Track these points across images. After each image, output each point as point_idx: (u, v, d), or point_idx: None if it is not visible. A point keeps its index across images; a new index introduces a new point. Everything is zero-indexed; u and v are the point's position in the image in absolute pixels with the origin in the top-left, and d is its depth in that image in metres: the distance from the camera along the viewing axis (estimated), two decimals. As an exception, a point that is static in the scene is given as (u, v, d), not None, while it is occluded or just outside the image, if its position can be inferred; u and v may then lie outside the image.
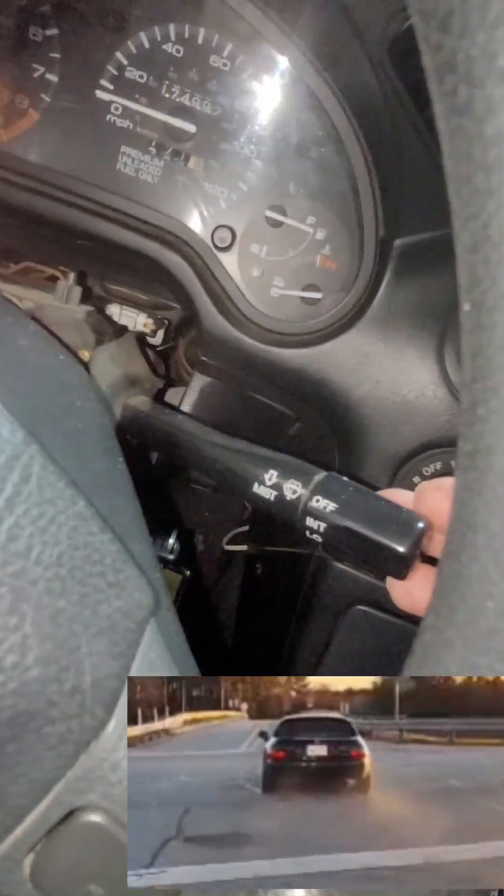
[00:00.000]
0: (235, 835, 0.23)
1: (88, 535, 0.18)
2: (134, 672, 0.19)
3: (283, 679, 0.21)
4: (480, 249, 0.13)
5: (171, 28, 0.43)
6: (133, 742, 0.17)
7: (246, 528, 0.78)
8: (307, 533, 0.31)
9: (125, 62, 0.44)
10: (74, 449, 0.22)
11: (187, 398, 0.55)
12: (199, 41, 0.43)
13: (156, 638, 0.20)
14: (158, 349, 0.57)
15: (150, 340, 0.57)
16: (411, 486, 0.50)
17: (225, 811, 0.21)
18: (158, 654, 0.20)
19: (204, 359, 0.52)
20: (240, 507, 0.77)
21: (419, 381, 0.48)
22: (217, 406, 0.56)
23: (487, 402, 0.14)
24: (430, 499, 0.29)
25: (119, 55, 0.44)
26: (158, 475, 0.58)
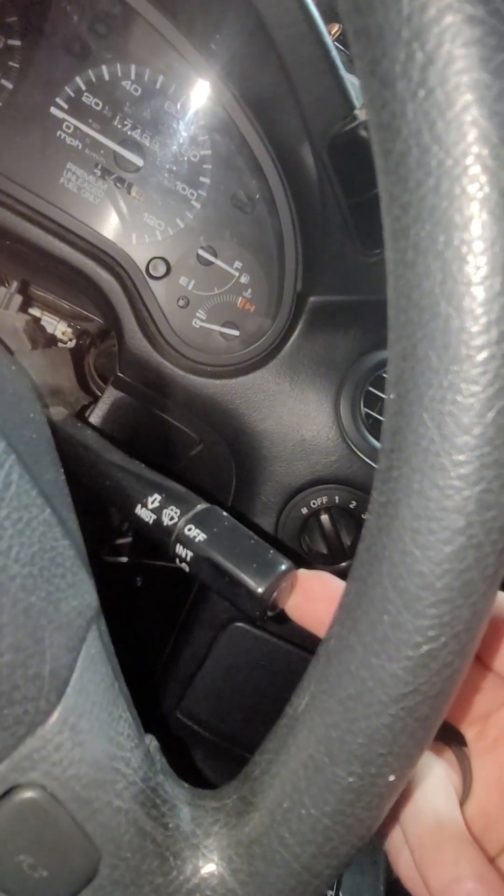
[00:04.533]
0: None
1: (54, 539, 0.21)
2: (79, 663, 0.21)
3: None
4: (408, 359, 0.18)
5: (133, 68, 0.46)
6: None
7: (127, 539, 0.80)
8: (176, 560, 0.32)
9: (83, 88, 0.46)
10: (32, 459, 0.24)
11: (98, 409, 0.57)
12: (157, 86, 0.47)
13: (95, 635, 0.23)
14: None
15: (61, 345, 0.58)
16: (300, 516, 0.56)
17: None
18: (98, 649, 0.22)
19: (120, 375, 0.54)
20: (119, 518, 0.79)
21: (316, 422, 0.53)
22: (125, 420, 0.58)
23: (401, 468, 0.18)
24: None
25: (79, 80, 0.46)
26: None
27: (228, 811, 0.22)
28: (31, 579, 0.19)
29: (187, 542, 0.30)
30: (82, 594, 0.21)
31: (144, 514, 0.32)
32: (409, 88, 0.15)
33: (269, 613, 0.29)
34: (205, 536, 0.30)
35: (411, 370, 0.18)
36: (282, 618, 0.31)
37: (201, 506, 0.32)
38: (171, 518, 0.31)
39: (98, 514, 0.72)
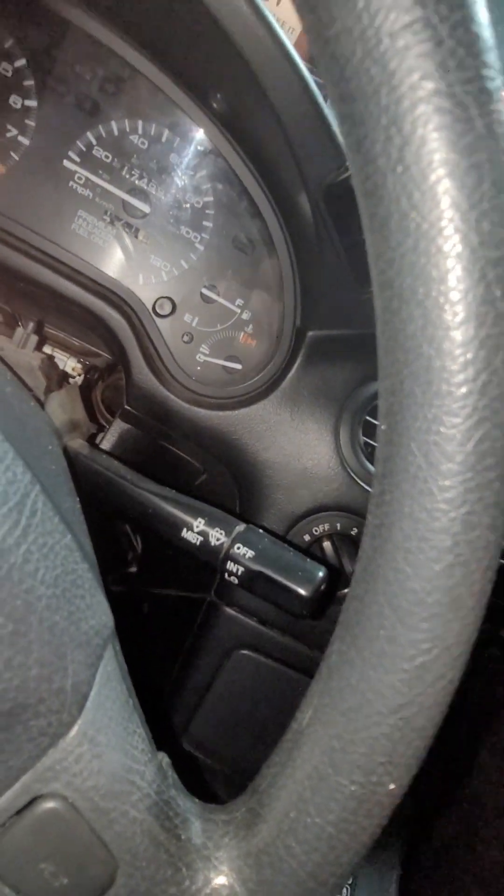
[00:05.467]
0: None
1: (74, 563, 0.22)
2: (97, 679, 0.23)
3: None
4: (396, 394, 0.20)
5: (140, 123, 0.49)
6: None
7: (132, 569, 0.81)
8: (225, 575, 0.36)
9: (94, 142, 0.49)
10: (52, 489, 0.26)
11: (106, 440, 0.59)
12: (163, 139, 0.50)
13: (111, 654, 0.24)
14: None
15: (71, 381, 0.61)
16: (303, 543, 0.57)
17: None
18: (114, 667, 0.24)
19: (128, 408, 0.56)
20: (125, 549, 0.80)
21: (317, 451, 0.55)
22: (132, 451, 0.60)
23: (392, 492, 0.20)
24: None
25: (90, 135, 0.49)
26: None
27: (238, 823, 0.23)
28: (55, 599, 0.21)
29: (237, 560, 0.35)
30: (99, 615, 0.23)
31: (191, 536, 0.36)
32: (389, 164, 0.17)
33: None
34: (253, 553, 0.35)
35: (399, 404, 0.20)
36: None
37: (241, 526, 0.37)
38: (218, 539, 0.36)
39: (107, 543, 0.73)
